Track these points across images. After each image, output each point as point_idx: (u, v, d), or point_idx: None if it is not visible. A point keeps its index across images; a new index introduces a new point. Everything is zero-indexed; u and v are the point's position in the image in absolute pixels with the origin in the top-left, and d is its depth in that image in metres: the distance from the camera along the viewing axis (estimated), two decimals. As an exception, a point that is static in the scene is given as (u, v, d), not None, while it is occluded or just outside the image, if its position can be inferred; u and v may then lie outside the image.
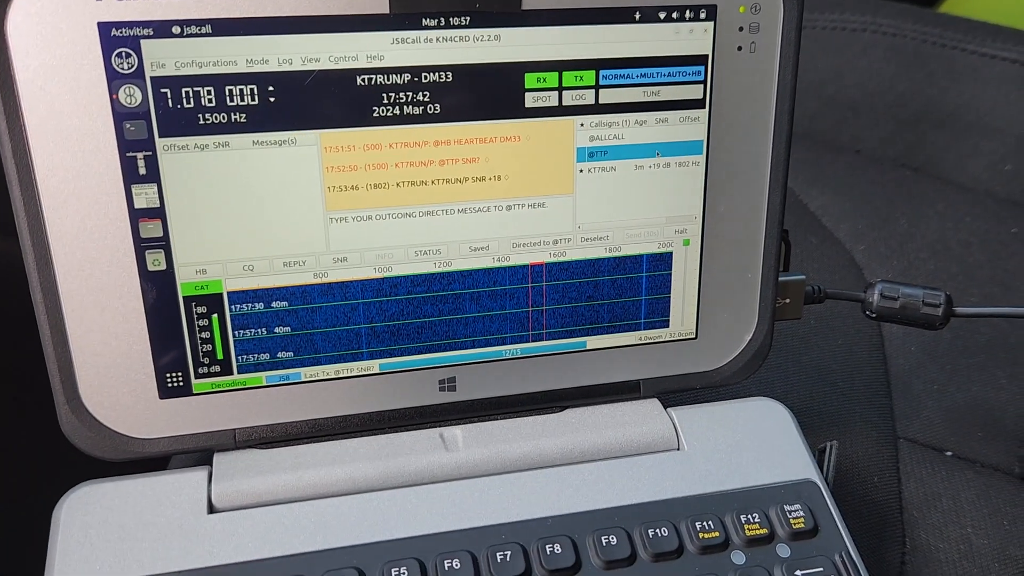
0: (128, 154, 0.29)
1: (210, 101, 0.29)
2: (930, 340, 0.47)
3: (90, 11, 0.28)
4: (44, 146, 0.29)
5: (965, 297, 0.50)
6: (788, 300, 0.38)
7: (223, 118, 0.30)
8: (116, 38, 0.28)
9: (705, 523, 0.32)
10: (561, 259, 0.34)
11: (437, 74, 0.31)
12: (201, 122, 0.30)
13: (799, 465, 0.35)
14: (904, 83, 0.60)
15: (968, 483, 0.41)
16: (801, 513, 0.33)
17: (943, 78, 0.60)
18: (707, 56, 0.33)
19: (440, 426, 0.35)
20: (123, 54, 0.28)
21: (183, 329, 0.32)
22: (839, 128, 0.62)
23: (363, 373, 0.34)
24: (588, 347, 0.36)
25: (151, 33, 0.28)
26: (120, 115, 0.29)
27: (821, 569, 0.32)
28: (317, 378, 0.34)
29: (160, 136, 0.29)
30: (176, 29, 0.29)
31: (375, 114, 0.31)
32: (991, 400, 0.45)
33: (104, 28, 0.28)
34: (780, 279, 0.37)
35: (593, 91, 0.32)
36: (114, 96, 0.29)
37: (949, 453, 0.43)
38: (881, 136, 0.61)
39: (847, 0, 0.63)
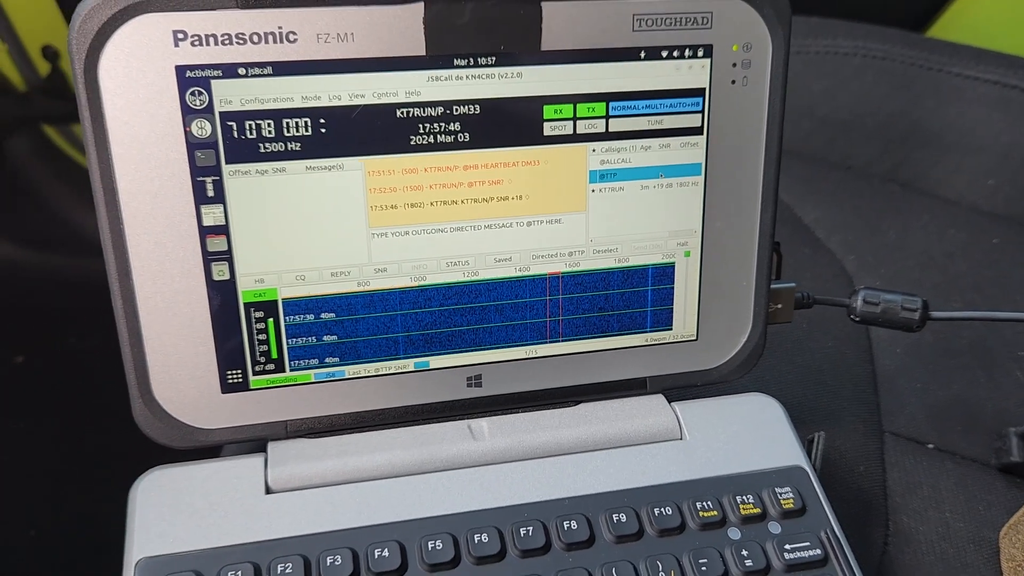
0: (198, 178, 0.33)
1: (270, 132, 0.34)
2: (914, 342, 0.51)
3: (169, 56, 0.32)
4: (127, 172, 0.33)
5: (948, 303, 0.53)
6: (780, 305, 0.42)
7: (281, 147, 0.34)
8: (190, 79, 0.32)
9: (705, 503, 0.36)
10: (576, 269, 0.38)
11: (467, 107, 0.35)
12: (262, 150, 0.34)
13: (789, 453, 0.39)
14: (892, 104, 0.64)
15: (948, 473, 0.45)
16: (791, 495, 0.37)
17: (929, 99, 0.63)
18: (704, 89, 0.37)
19: (468, 418, 0.39)
20: (196, 92, 0.33)
21: (243, 332, 0.36)
22: (831, 146, 0.65)
23: (400, 371, 0.38)
24: (600, 348, 0.39)
25: (220, 74, 0.33)
26: (192, 145, 0.33)
27: (808, 543, 0.35)
28: (359, 375, 0.38)
29: (226, 163, 0.34)
30: (242, 71, 0.33)
31: (412, 142, 0.35)
32: (970, 397, 0.48)
33: (180, 70, 0.32)
34: (772, 287, 0.41)
35: (604, 120, 0.36)
36: (187, 128, 0.33)
37: (931, 445, 0.46)
38: (871, 153, 0.64)
39: (839, 26, 0.66)
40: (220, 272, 0.35)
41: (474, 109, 0.35)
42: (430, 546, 0.34)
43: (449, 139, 0.35)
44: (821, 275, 0.55)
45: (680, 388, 0.41)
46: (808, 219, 0.59)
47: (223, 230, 0.34)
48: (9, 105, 0.90)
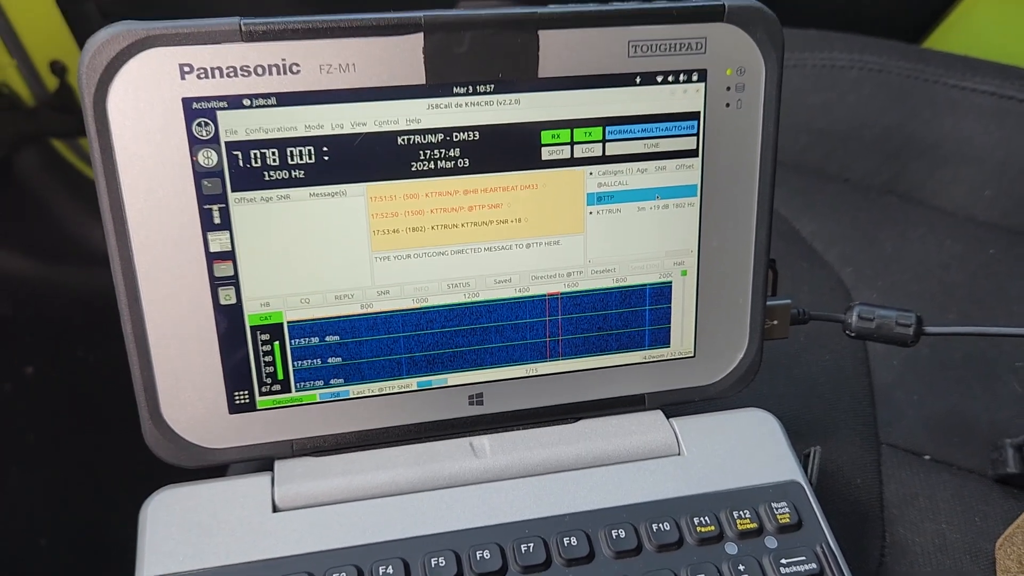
0: (205, 206, 0.34)
1: (274, 161, 0.34)
2: (911, 355, 0.51)
3: (175, 88, 0.33)
4: (135, 201, 0.34)
5: (944, 315, 0.54)
6: (776, 322, 0.42)
7: (285, 175, 0.35)
8: (197, 110, 0.33)
9: (702, 519, 0.37)
10: (574, 289, 0.39)
11: (466, 133, 0.36)
12: (266, 178, 0.35)
13: (786, 468, 0.39)
14: (889, 116, 0.64)
15: (944, 484, 0.45)
16: (787, 509, 0.37)
17: (926, 111, 0.64)
18: (699, 112, 0.38)
19: (470, 436, 0.39)
20: (202, 123, 0.34)
21: (249, 354, 0.37)
22: (829, 158, 0.65)
23: (403, 390, 0.39)
24: (599, 365, 0.40)
25: (226, 106, 0.33)
26: (199, 174, 0.34)
27: (804, 558, 0.36)
28: (363, 395, 0.38)
29: (232, 191, 0.34)
30: (247, 102, 0.34)
31: (413, 168, 0.36)
32: (966, 409, 0.49)
33: (187, 102, 0.33)
34: (768, 303, 0.41)
35: (600, 145, 0.37)
36: (194, 158, 0.34)
37: (927, 457, 0.47)
38: (868, 165, 0.65)
39: (836, 39, 0.67)
40: (227, 296, 0.36)
41: (473, 135, 0.36)
42: (433, 563, 0.35)
43: (449, 165, 0.36)
44: (818, 288, 0.56)
45: (678, 404, 0.41)
46: (805, 232, 0.60)
47: (229, 256, 0.35)
48: (18, 120, 0.91)
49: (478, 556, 0.35)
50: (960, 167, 0.63)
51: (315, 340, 0.37)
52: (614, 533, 0.36)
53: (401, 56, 0.34)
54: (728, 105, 0.38)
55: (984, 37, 0.76)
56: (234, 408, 0.37)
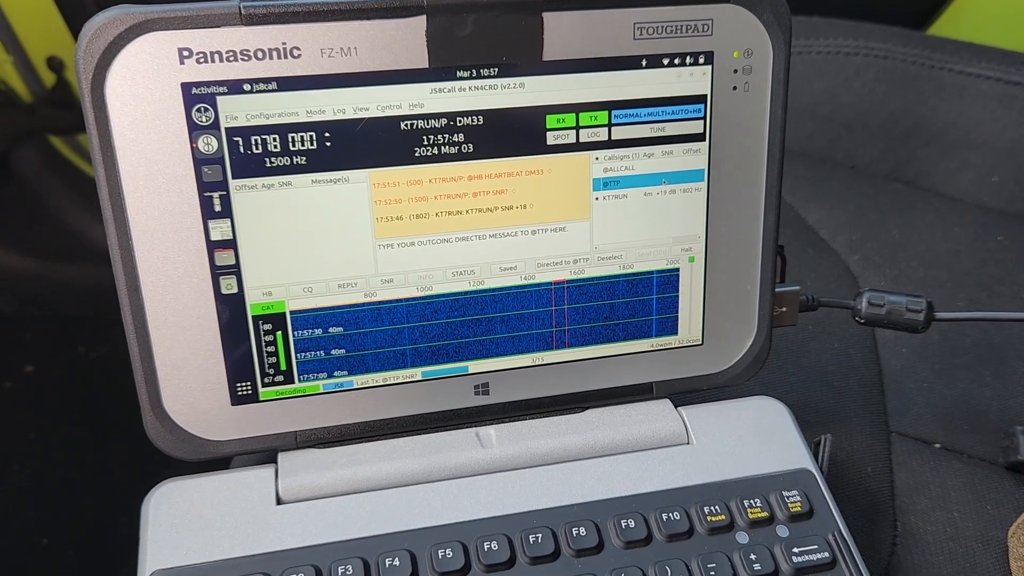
0: (205, 194, 0.34)
1: (275, 147, 0.34)
2: (920, 342, 0.51)
3: (174, 74, 0.32)
4: (135, 188, 0.33)
5: (953, 302, 0.53)
6: (785, 309, 0.42)
7: (286, 161, 0.34)
8: (196, 96, 0.33)
9: (712, 508, 0.36)
10: (580, 276, 0.39)
11: (470, 118, 0.35)
12: (268, 165, 0.34)
13: (796, 456, 0.39)
14: (895, 102, 0.64)
15: (955, 472, 0.45)
16: (798, 498, 0.37)
17: (932, 97, 0.63)
18: (706, 96, 0.37)
19: (476, 426, 0.39)
20: (202, 109, 0.33)
21: (252, 344, 0.36)
22: (835, 146, 0.65)
23: (407, 380, 0.38)
24: (606, 354, 0.40)
25: (226, 91, 0.33)
26: (199, 161, 0.33)
27: (816, 546, 0.35)
28: (367, 385, 0.38)
29: (233, 178, 0.34)
30: (247, 87, 0.33)
31: (417, 154, 0.35)
32: (977, 396, 0.48)
33: (186, 87, 0.33)
34: (777, 290, 0.41)
35: (606, 129, 0.37)
36: (194, 145, 0.33)
37: (938, 445, 0.46)
38: (874, 152, 0.64)
39: (840, 25, 0.66)
40: (228, 286, 0.35)
41: (477, 120, 0.35)
42: (440, 554, 0.34)
43: (453, 150, 0.35)
44: (826, 276, 0.55)
45: (686, 392, 0.41)
46: (812, 220, 0.60)
47: (231, 244, 0.35)
48: (16, 117, 0.90)
49: (485, 547, 0.34)
50: (967, 153, 0.62)
51: (318, 330, 0.36)
52: (623, 523, 0.35)
53: (403, 39, 0.34)
54: (735, 88, 0.37)
55: (989, 23, 0.75)
56: (236, 399, 0.36)
